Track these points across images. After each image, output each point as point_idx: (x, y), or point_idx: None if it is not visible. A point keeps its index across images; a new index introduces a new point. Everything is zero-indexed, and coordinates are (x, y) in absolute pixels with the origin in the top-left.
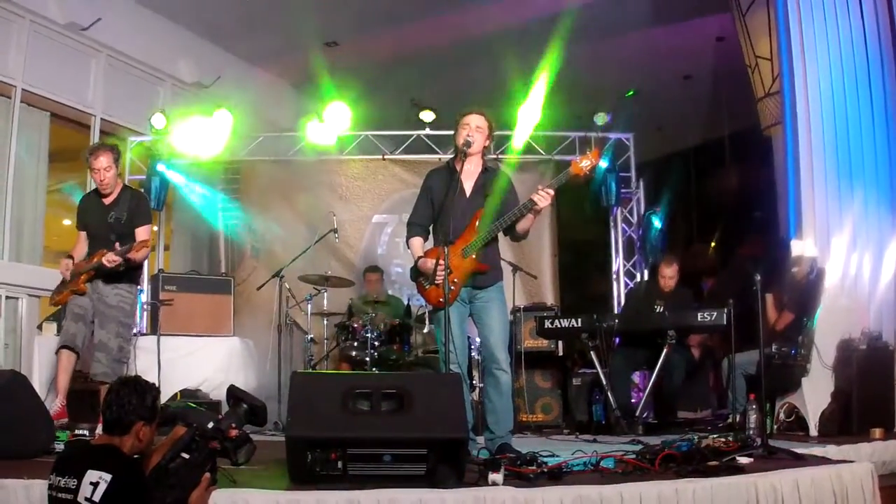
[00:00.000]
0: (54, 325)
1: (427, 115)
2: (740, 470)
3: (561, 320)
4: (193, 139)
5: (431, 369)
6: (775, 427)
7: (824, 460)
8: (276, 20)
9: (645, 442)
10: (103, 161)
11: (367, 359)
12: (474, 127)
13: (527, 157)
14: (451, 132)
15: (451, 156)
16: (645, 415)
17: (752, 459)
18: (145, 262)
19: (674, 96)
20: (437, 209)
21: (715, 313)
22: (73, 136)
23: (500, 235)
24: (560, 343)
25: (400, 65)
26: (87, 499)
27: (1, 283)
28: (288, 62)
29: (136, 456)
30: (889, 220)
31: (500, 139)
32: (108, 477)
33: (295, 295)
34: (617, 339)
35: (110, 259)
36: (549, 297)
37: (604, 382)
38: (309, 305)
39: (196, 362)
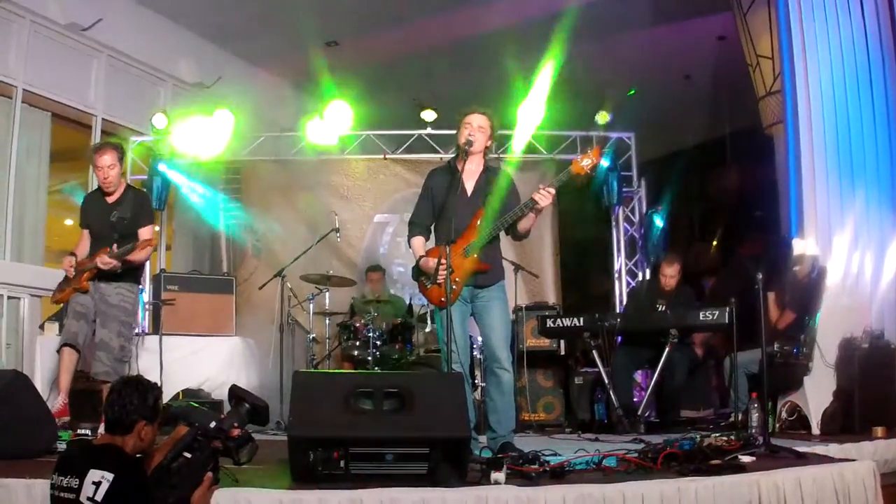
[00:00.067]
0: (56, 325)
1: (428, 115)
2: (742, 469)
3: (563, 319)
4: (194, 139)
5: (433, 368)
6: (777, 426)
7: (826, 459)
8: (277, 20)
9: (647, 441)
10: (107, 159)
11: (370, 358)
12: (476, 126)
13: (528, 156)
14: (453, 132)
15: (453, 155)
16: (647, 414)
17: (754, 458)
18: (147, 262)
19: (675, 95)
20: (439, 209)
21: (717, 312)
22: (75, 137)
23: (502, 235)
24: (562, 342)
25: (401, 64)
26: (89, 498)
27: (2, 283)
28: (289, 62)
29: (138, 455)
30: (890, 218)
31: (502, 138)
32: (110, 476)
33: (297, 294)
34: (619, 338)
35: (105, 261)
36: (551, 297)
37: (606, 381)
38: (311, 305)
39: (198, 362)
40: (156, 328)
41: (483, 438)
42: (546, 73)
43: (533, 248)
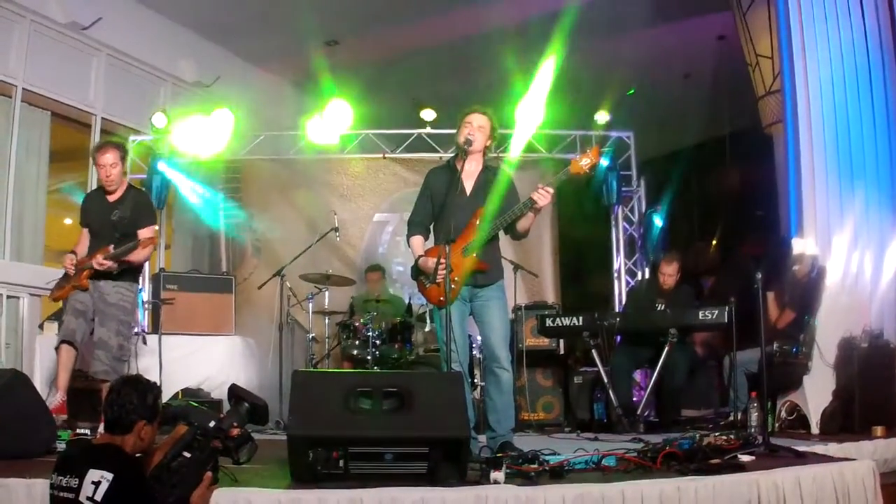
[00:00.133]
0: (55, 325)
1: (428, 114)
2: (742, 468)
3: (562, 319)
4: (194, 138)
5: (433, 368)
6: (777, 425)
7: (826, 458)
8: (276, 19)
9: (646, 440)
10: (109, 157)
11: (369, 357)
12: (476, 126)
13: (527, 155)
14: (452, 131)
15: (453, 154)
16: (646, 413)
17: (753, 457)
18: (147, 262)
19: (674, 94)
20: (438, 208)
21: (716, 312)
22: (74, 136)
23: (501, 234)
24: (561, 341)
25: (401, 63)
26: (88, 498)
27: (2, 282)
28: (288, 61)
29: (137, 455)
30: (890, 218)
31: (502, 138)
32: (109, 476)
33: (296, 294)
34: (618, 338)
35: (100, 262)
36: (551, 296)
37: (605, 381)
38: (310, 304)
39: (197, 361)
40: (155, 327)
41: (482, 438)
42: (546, 72)
43: (532, 247)
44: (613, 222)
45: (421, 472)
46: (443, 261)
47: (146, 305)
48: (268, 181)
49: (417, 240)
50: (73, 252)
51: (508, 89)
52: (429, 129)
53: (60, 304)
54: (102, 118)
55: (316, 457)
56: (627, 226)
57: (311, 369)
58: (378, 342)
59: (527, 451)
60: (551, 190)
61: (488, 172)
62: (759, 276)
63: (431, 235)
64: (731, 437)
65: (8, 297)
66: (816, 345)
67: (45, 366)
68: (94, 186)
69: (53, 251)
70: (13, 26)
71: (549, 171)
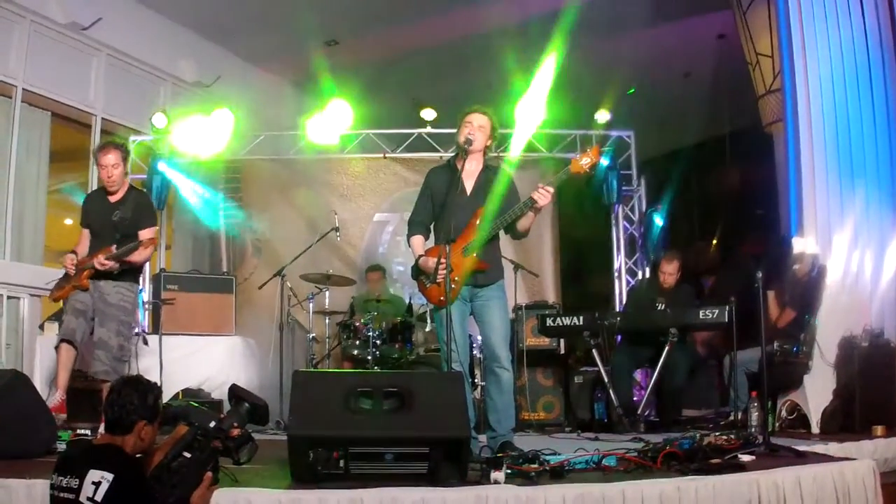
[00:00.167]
0: (56, 325)
1: (428, 114)
2: (742, 468)
3: (562, 318)
4: (194, 138)
5: (433, 368)
6: (777, 425)
7: (826, 458)
8: (276, 19)
9: (647, 440)
10: (111, 158)
11: (369, 357)
12: (476, 126)
13: (527, 154)
14: (453, 130)
15: (453, 154)
16: (647, 413)
17: (754, 457)
18: (147, 262)
19: (675, 94)
20: (438, 208)
21: (717, 311)
22: (74, 136)
23: (501, 234)
24: (562, 341)
25: (401, 63)
26: (88, 498)
27: (2, 282)
28: (288, 61)
29: (138, 455)
30: (890, 217)
31: (502, 137)
32: (109, 476)
33: (296, 294)
34: (619, 337)
35: (101, 262)
36: (551, 296)
37: (605, 380)
38: (311, 304)
39: (198, 361)
40: (155, 328)
41: (483, 438)
42: (546, 71)
43: (533, 246)
44: (614, 221)
45: (421, 472)
46: (443, 261)
47: (147, 306)
48: (268, 181)
49: (418, 239)
50: (74, 252)
51: (509, 89)
52: (429, 129)
53: (61, 304)
54: (102, 118)
55: (316, 457)
56: (628, 225)
57: (312, 369)
58: (378, 342)
59: (527, 451)
60: (551, 189)
61: (489, 172)
62: (760, 275)
63: (432, 235)
64: (732, 436)
65: (8, 297)
66: (817, 344)
67: (46, 366)
68: (95, 187)
69: (53, 251)
70: (13, 26)
71: (550, 170)
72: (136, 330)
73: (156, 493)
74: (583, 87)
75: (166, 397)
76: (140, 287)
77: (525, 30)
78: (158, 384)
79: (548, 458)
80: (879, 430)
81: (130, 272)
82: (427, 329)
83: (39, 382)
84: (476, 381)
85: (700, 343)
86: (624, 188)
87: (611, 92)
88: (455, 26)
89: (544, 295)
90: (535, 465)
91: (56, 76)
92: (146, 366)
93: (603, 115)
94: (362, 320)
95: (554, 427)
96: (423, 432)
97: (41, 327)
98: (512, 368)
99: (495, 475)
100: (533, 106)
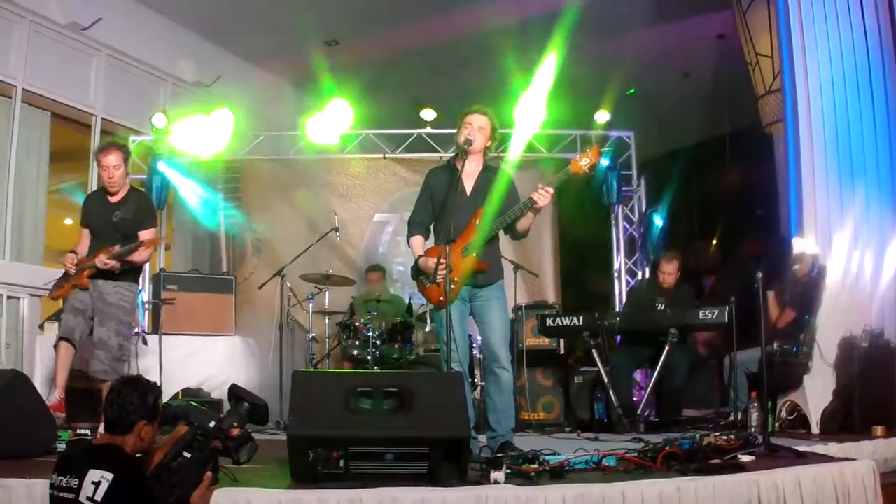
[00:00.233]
0: (56, 325)
1: (428, 114)
2: (742, 468)
3: (562, 318)
4: (194, 138)
5: (433, 368)
6: (777, 425)
7: (826, 458)
8: (276, 19)
9: (647, 440)
10: (112, 159)
11: (369, 357)
12: (476, 127)
13: (527, 154)
14: (452, 131)
15: (453, 154)
16: (647, 413)
17: (753, 457)
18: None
19: (675, 94)
20: (438, 208)
21: (716, 311)
22: (74, 136)
23: (501, 234)
24: (562, 341)
25: (400, 63)
26: (88, 498)
27: (2, 282)
28: (288, 61)
29: (137, 455)
30: (891, 217)
31: (502, 137)
32: (109, 476)
33: (296, 294)
34: (618, 338)
35: (103, 261)
36: (551, 296)
37: (605, 381)
38: (310, 304)
39: (198, 361)
40: (155, 328)
41: (483, 438)
42: (546, 71)
43: (532, 246)
44: (614, 222)
45: (421, 472)
46: (443, 261)
47: (146, 305)
48: (268, 181)
49: (417, 240)
50: (74, 252)
51: (508, 89)
52: (429, 129)
53: (60, 304)
54: (102, 118)
55: (316, 457)
56: (628, 225)
57: (312, 369)
58: (378, 342)
59: (527, 451)
60: (551, 190)
61: (488, 172)
62: (760, 275)
63: (432, 235)
64: (732, 437)
65: (8, 297)
66: (817, 344)
67: (46, 366)
68: (95, 187)
69: (53, 251)
70: (13, 27)
71: (549, 170)
72: (136, 330)
73: (156, 492)
74: (583, 88)
75: (166, 397)
76: (140, 287)
77: (525, 30)
78: (158, 384)
79: (547, 458)
80: (879, 430)
81: (130, 272)
82: (427, 329)
83: (39, 382)
84: (476, 381)
85: (701, 343)
86: (624, 188)
87: (611, 92)
88: (455, 26)
89: (544, 295)
90: (535, 466)
91: (56, 76)
92: (146, 365)
93: (603, 116)
94: (362, 320)
95: (554, 427)
96: (423, 432)
97: (41, 327)
98: (512, 369)
99: (495, 475)
100: (533, 106)
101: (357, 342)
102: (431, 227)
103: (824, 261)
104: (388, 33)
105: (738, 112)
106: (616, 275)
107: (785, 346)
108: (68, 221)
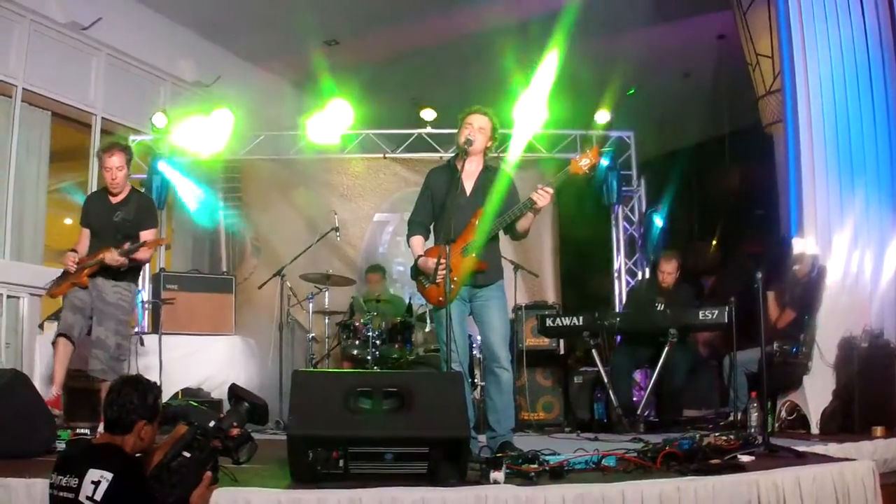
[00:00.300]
0: (55, 324)
1: (428, 114)
2: (742, 468)
3: (562, 318)
4: (194, 138)
5: (433, 368)
6: (777, 425)
7: (826, 458)
8: (276, 19)
9: (646, 440)
10: (116, 160)
11: (369, 357)
12: (477, 127)
13: (527, 155)
14: (453, 131)
15: (453, 154)
16: (646, 413)
17: (753, 458)
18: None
19: (675, 94)
20: (438, 208)
21: (716, 311)
22: (74, 136)
23: (501, 234)
24: (561, 341)
25: (400, 63)
26: (88, 498)
27: (2, 282)
28: (288, 61)
29: (137, 455)
30: (890, 217)
31: (502, 137)
32: (109, 476)
33: (296, 293)
34: (618, 338)
35: (114, 258)
36: (551, 296)
37: (605, 381)
38: (310, 304)
39: (197, 361)
40: (155, 327)
41: (482, 438)
42: (546, 71)
43: (532, 247)
44: (614, 222)
45: (421, 471)
46: (442, 261)
47: (146, 305)
48: (268, 181)
49: (417, 240)
50: (74, 250)
51: (509, 89)
52: (429, 129)
53: (61, 303)
54: (102, 118)
55: (316, 457)
56: (628, 225)
57: (311, 369)
58: (378, 342)
59: (527, 451)
60: (551, 190)
61: (488, 172)
62: (760, 275)
63: (432, 235)
64: (731, 437)
65: (8, 296)
66: (816, 345)
67: (46, 365)
68: (95, 186)
69: (53, 251)
70: (13, 26)
71: (550, 171)
72: (136, 329)
73: (155, 492)
74: (583, 88)
75: (166, 397)
76: (139, 288)
77: (525, 30)
78: (158, 384)
79: (547, 458)
80: (879, 430)
81: (130, 272)
82: (427, 329)
83: (39, 382)
84: (476, 381)
85: (702, 343)
86: (624, 188)
87: (611, 92)
88: (455, 26)
89: (544, 295)
90: (535, 466)
91: (56, 76)
92: (146, 365)
93: (603, 116)
94: (362, 320)
95: (553, 427)
96: (423, 432)
97: (41, 327)
98: (511, 368)
99: (495, 475)
100: (533, 106)
101: (357, 342)
102: (431, 227)
103: (824, 261)
104: (388, 33)
105: (738, 112)
106: (616, 275)
107: (785, 347)
108: (68, 221)
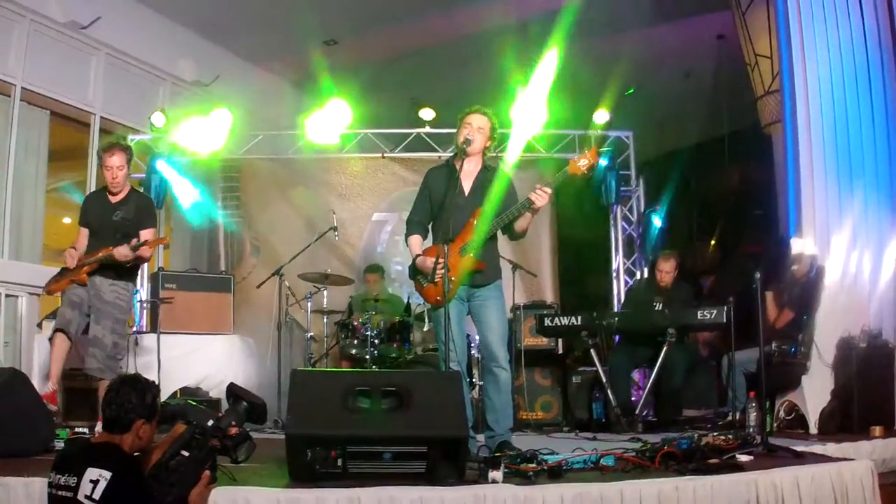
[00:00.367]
0: (54, 324)
1: (427, 113)
2: (740, 468)
3: (561, 318)
4: (193, 137)
5: (431, 367)
6: (775, 425)
7: (824, 458)
8: (275, 19)
9: (645, 440)
10: (117, 160)
11: (367, 357)
12: (476, 127)
13: (526, 154)
14: (451, 130)
15: (452, 154)
16: (645, 413)
17: (752, 457)
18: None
19: (674, 94)
20: (437, 207)
21: (715, 311)
22: (73, 135)
23: (499, 234)
24: (560, 341)
25: (399, 63)
26: (87, 496)
27: (1, 281)
28: (287, 61)
29: (136, 454)
30: (889, 218)
31: (501, 137)
32: (107, 475)
33: (295, 293)
34: (617, 337)
35: (123, 253)
36: (549, 295)
37: (604, 380)
38: (309, 303)
39: (196, 360)
40: (154, 326)
41: (481, 437)
42: (545, 71)
43: (531, 246)
44: (612, 222)
45: (419, 471)
46: (441, 260)
47: (145, 304)
48: (266, 180)
49: (415, 239)
50: (74, 248)
51: (508, 88)
52: (428, 129)
53: (59, 303)
54: (101, 117)
55: (314, 456)
56: (626, 225)
57: (310, 368)
58: (377, 341)
59: (525, 451)
60: (549, 190)
61: (487, 172)
62: (758, 275)
63: (430, 235)
64: (730, 436)
65: (7, 296)
66: (815, 344)
67: (44, 364)
68: (93, 186)
69: (52, 250)
70: (12, 25)
71: (548, 171)
72: (133, 329)
73: (154, 491)
74: (582, 88)
75: (164, 396)
76: (136, 287)
77: (524, 29)
78: (156, 383)
79: (546, 457)
80: (877, 430)
81: (128, 271)
82: (425, 328)
83: (38, 381)
84: (474, 380)
85: (702, 343)
86: (622, 188)
87: (610, 92)
88: (455, 26)
89: (542, 295)
90: (533, 465)
91: (55, 75)
92: (144, 364)
93: (602, 116)
94: (360, 319)
95: (552, 427)
96: (421, 431)
97: (39, 325)
98: (510, 368)
99: (493, 474)
100: (532, 106)
101: (355, 341)
102: (430, 226)
103: (823, 261)
104: (388, 33)
105: (737, 112)
106: (614, 275)
107: (783, 347)
108: (67, 220)
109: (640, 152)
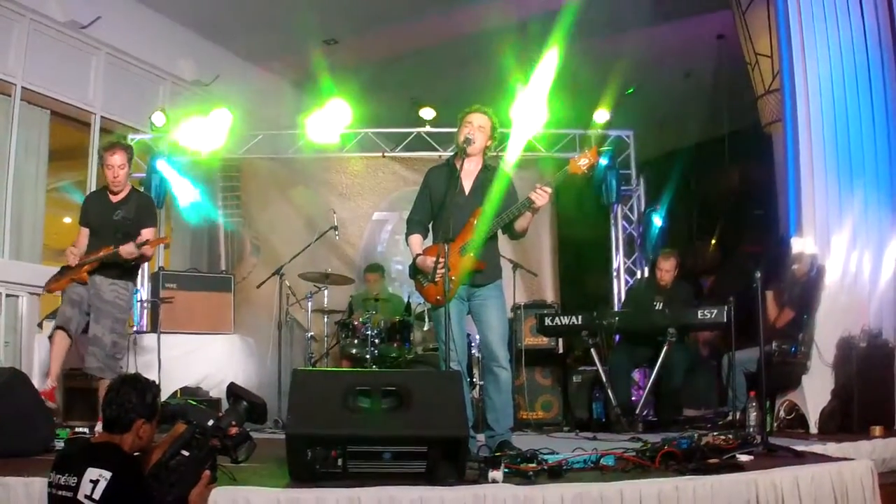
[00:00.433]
0: (54, 321)
1: (427, 113)
2: (740, 468)
3: (561, 318)
4: (193, 137)
5: (432, 367)
6: (775, 425)
7: (824, 458)
8: (275, 18)
9: (645, 439)
10: (118, 159)
11: (368, 356)
12: (476, 126)
13: (526, 154)
14: (452, 129)
15: (452, 153)
16: (645, 412)
17: (752, 457)
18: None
19: (674, 93)
20: (437, 207)
21: (715, 311)
22: (73, 135)
23: (500, 234)
24: (560, 340)
25: (400, 62)
26: (87, 496)
27: (1, 281)
28: (287, 60)
29: (136, 454)
30: (889, 217)
31: (502, 137)
32: (108, 475)
33: (295, 292)
34: (617, 337)
35: (129, 251)
36: (550, 295)
37: (604, 380)
38: (309, 303)
39: (196, 360)
40: (154, 326)
41: (481, 437)
42: (545, 71)
43: (531, 246)
44: (613, 221)
45: (419, 471)
46: (441, 259)
47: (145, 304)
48: (267, 180)
49: (416, 238)
50: (74, 246)
51: (508, 88)
52: (428, 128)
53: (59, 302)
54: (102, 117)
55: (314, 455)
56: (627, 225)
57: (310, 368)
58: (377, 341)
59: (525, 451)
60: (549, 190)
61: (487, 172)
62: (759, 275)
63: (430, 234)
64: (730, 436)
65: (7, 295)
66: (815, 344)
67: (44, 364)
68: (94, 185)
69: (52, 250)
70: (12, 25)
71: (549, 170)
72: (133, 329)
73: (154, 491)
74: (582, 87)
75: (164, 395)
76: (136, 287)
77: (524, 29)
78: (157, 382)
79: (546, 457)
80: (877, 430)
81: (128, 271)
82: (425, 328)
83: (38, 381)
84: (474, 380)
85: (702, 343)
86: (623, 188)
87: (610, 92)
88: (454, 26)
89: (543, 294)
90: (533, 465)
91: (55, 74)
92: (144, 364)
93: (602, 115)
94: (361, 319)
95: (552, 426)
96: (422, 431)
97: (40, 325)
98: (510, 368)
99: (493, 474)
100: (532, 105)
101: (356, 341)
102: (430, 225)
103: (823, 261)
104: (388, 33)
105: (737, 112)
106: (615, 274)
107: (783, 346)
108: (67, 220)
109: (640, 152)
